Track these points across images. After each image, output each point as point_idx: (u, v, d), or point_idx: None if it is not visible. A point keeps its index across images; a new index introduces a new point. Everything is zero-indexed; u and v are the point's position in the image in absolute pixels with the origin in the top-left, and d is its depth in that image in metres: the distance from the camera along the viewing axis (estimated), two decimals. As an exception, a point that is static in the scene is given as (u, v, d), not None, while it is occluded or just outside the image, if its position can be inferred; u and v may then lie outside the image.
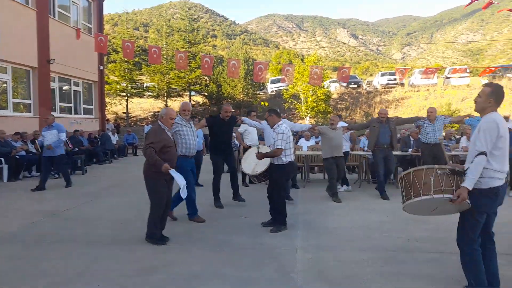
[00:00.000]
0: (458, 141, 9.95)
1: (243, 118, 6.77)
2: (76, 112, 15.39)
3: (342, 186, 7.61)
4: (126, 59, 23.76)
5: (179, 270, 3.62)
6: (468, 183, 2.77)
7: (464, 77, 24.47)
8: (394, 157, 7.47)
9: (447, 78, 26.02)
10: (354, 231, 4.86)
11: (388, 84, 28.69)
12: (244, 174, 8.34)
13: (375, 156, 7.22)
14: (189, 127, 5.39)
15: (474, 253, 2.89)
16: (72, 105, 15.16)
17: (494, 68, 18.83)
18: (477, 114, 3.40)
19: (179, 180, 4.28)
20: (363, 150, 9.07)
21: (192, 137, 5.33)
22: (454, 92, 25.76)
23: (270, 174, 5.21)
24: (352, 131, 8.35)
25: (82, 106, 15.82)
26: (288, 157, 4.95)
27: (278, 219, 4.96)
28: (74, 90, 15.26)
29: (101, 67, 16.78)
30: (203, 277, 3.47)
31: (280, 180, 5.06)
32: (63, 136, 8.24)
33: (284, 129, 4.95)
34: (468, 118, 7.88)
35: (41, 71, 12.66)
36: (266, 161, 5.20)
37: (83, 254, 4.08)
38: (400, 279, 3.38)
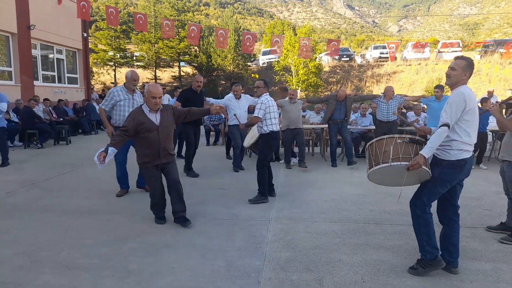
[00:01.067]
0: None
1: (206, 98, 6.90)
2: (60, 81, 15.05)
3: (292, 158, 7.71)
4: (113, 27, 23.09)
5: (151, 240, 3.67)
6: (426, 151, 2.81)
7: (456, 51, 24.29)
8: (346, 131, 7.71)
9: (440, 52, 25.82)
10: (329, 204, 4.94)
11: (380, 57, 28.42)
12: (228, 146, 8.37)
13: (329, 129, 7.67)
14: (129, 99, 5.10)
15: (426, 216, 2.97)
16: (55, 73, 14.79)
17: (484, 42, 18.62)
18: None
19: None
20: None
21: (129, 111, 4.72)
22: (446, 66, 25.65)
23: (259, 144, 5.31)
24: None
25: (66, 75, 15.46)
26: (269, 127, 5.03)
27: (259, 190, 5.02)
28: (57, 58, 14.85)
29: (85, 35, 16.27)
30: (173, 246, 3.54)
31: (265, 149, 5.15)
32: (3, 107, 6.91)
33: (264, 99, 5.01)
34: (423, 97, 7.90)
35: (21, 37, 12.25)
36: (257, 133, 5.33)
37: (57, 224, 4.12)
38: (365, 250, 3.48)
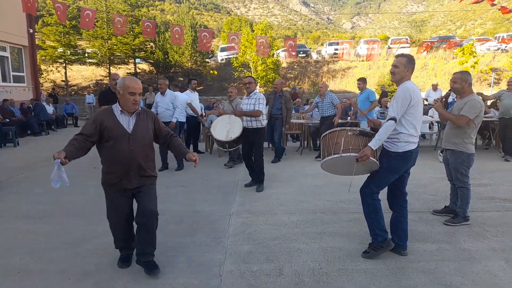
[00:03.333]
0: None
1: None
2: (4, 80, 14.09)
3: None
4: (62, 22, 21.93)
5: (109, 241, 3.56)
6: (373, 144, 2.98)
7: (405, 47, 25.58)
8: (281, 127, 7.55)
9: (389, 48, 27.04)
10: (288, 196, 5.07)
11: (335, 53, 29.25)
12: (188, 143, 8.29)
13: (267, 125, 7.32)
14: None
15: (374, 202, 3.17)
16: (-1, 72, 13.85)
17: (430, 43, 19.83)
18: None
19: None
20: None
21: None
22: (396, 62, 26.88)
23: (252, 137, 5.45)
24: None
25: (12, 73, 14.51)
26: (264, 122, 5.51)
27: (261, 179, 5.48)
28: (0, 56, 13.89)
29: (31, 30, 15.34)
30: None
31: (262, 141, 5.55)
32: None
33: (261, 95, 5.48)
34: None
35: (-42, 33, 11.33)
36: (240, 127, 5.46)
37: (9, 229, 3.92)
38: (323, 238, 3.63)
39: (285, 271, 3.00)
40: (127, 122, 2.88)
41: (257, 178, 5.53)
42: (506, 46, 24.53)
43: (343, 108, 9.62)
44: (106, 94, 5.72)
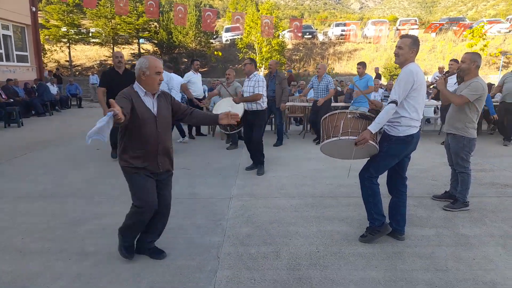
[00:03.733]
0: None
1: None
2: (8, 59, 14.06)
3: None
4: (64, 1, 21.67)
5: (109, 222, 3.63)
6: (373, 127, 2.94)
7: (413, 29, 25.02)
8: (278, 110, 7.37)
9: (397, 30, 26.49)
10: (289, 180, 5.07)
11: (342, 35, 28.73)
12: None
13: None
14: None
15: (373, 186, 3.15)
16: (2, 51, 13.78)
17: (438, 25, 19.40)
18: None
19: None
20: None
21: None
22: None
23: (252, 120, 5.44)
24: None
25: (15, 52, 14.45)
26: (264, 104, 5.46)
27: (261, 161, 5.48)
28: (3, 35, 13.80)
29: (34, 9, 15.18)
30: (132, 227, 3.52)
31: (262, 123, 5.50)
32: None
33: (261, 77, 5.39)
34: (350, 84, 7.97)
35: (-40, 11, 11.24)
36: (241, 109, 5.40)
37: (8, 209, 3.97)
38: (321, 222, 3.64)
39: (282, 254, 3.02)
40: (152, 104, 2.74)
41: (257, 161, 5.52)
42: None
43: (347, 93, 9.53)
44: (108, 74, 5.68)
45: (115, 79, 5.44)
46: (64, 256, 2.97)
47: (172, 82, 6.81)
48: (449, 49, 24.84)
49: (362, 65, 7.33)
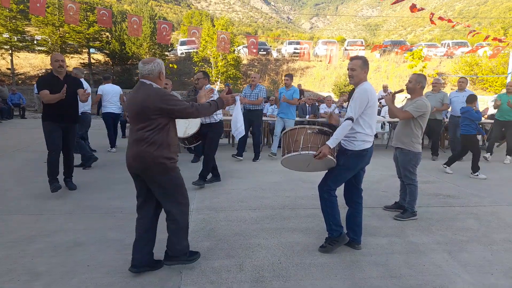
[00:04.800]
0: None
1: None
2: None
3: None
4: (6, 7, 20.34)
5: (61, 239, 3.43)
6: (331, 142, 3.10)
7: (360, 49, 26.57)
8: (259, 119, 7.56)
9: (346, 50, 27.97)
10: (248, 192, 5.12)
11: (294, 52, 29.74)
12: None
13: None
14: None
15: (331, 198, 3.29)
16: None
17: (384, 45, 20.83)
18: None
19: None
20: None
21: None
22: (352, 63, 27.85)
23: (206, 132, 5.37)
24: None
25: (-52, 58, 13.27)
26: (219, 116, 5.49)
27: (204, 175, 5.35)
28: None
29: (-28, 13, 14.10)
30: (87, 243, 3.36)
31: (215, 136, 5.46)
32: None
33: (216, 90, 5.43)
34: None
35: None
36: (197, 122, 5.31)
37: None
38: (282, 233, 3.71)
39: (246, 266, 3.03)
40: None
41: (201, 173, 5.36)
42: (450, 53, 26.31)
43: (300, 106, 9.84)
44: (46, 79, 4.71)
45: (54, 86, 4.55)
46: (13, 277, 2.75)
47: (107, 94, 7.00)
48: (393, 69, 26.64)
49: (289, 77, 7.68)
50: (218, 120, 5.46)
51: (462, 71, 23.91)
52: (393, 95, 4.28)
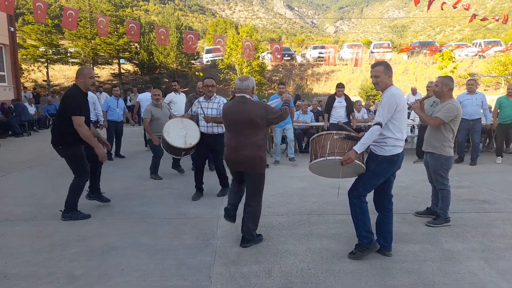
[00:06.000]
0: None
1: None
2: (-16, 79, 13.72)
3: None
4: (42, 22, 21.47)
5: (95, 243, 3.56)
6: (358, 147, 3.05)
7: (386, 52, 26.11)
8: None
9: (372, 52, 27.55)
10: (275, 198, 5.12)
11: (319, 57, 29.61)
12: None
13: None
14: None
15: (362, 204, 3.24)
16: (-22, 71, 13.46)
17: (411, 47, 20.35)
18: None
19: None
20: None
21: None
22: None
23: (211, 144, 5.11)
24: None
25: (-9, 72, 14.13)
26: (221, 128, 5.19)
27: (227, 184, 5.27)
28: (-20, 54, 13.52)
29: (12, 29, 14.98)
30: (120, 247, 3.47)
31: (222, 148, 5.10)
32: None
33: (224, 99, 5.20)
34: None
35: None
36: (197, 133, 5.11)
37: (-11, 233, 3.82)
38: (310, 239, 3.69)
39: (274, 272, 3.04)
40: None
41: (223, 183, 5.33)
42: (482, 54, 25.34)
43: (315, 112, 9.81)
44: (79, 98, 4.19)
45: (83, 104, 4.22)
46: (52, 279, 2.88)
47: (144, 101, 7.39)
48: (421, 71, 25.96)
49: (285, 85, 7.67)
50: (222, 132, 5.07)
51: (496, 71, 22.97)
52: (421, 102, 4.19)
